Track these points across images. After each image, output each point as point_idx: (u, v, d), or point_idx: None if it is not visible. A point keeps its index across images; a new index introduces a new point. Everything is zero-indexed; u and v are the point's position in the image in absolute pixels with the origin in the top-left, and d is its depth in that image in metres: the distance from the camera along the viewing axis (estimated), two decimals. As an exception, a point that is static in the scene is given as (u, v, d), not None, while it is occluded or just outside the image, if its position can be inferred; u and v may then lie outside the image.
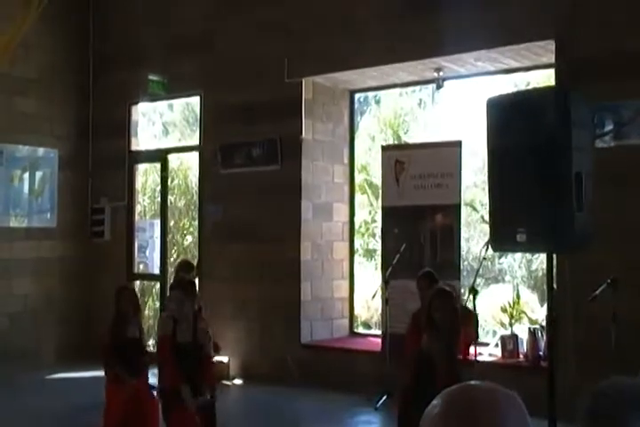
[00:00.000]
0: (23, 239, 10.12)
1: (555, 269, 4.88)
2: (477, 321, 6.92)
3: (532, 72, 9.08)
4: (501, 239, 4.74)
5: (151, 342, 9.88)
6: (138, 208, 11.18)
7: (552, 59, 7.50)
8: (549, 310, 4.98)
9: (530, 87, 9.84)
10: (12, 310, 9.77)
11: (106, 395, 6.77)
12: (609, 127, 6.89)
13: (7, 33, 8.78)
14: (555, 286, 5.07)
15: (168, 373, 5.95)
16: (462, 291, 8.15)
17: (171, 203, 11.77)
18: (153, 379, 7.26)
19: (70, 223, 10.66)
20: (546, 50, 7.55)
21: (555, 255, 4.86)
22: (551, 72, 7.77)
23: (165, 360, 5.98)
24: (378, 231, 10.75)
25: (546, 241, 4.50)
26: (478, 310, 7.19)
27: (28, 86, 10.16)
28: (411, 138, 12.61)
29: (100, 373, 7.02)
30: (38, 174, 10.44)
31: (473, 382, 1.42)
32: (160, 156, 10.74)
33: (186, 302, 5.97)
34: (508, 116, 4.59)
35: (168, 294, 8.45)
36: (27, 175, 10.31)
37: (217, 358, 7.57)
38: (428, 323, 5.84)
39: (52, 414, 7.47)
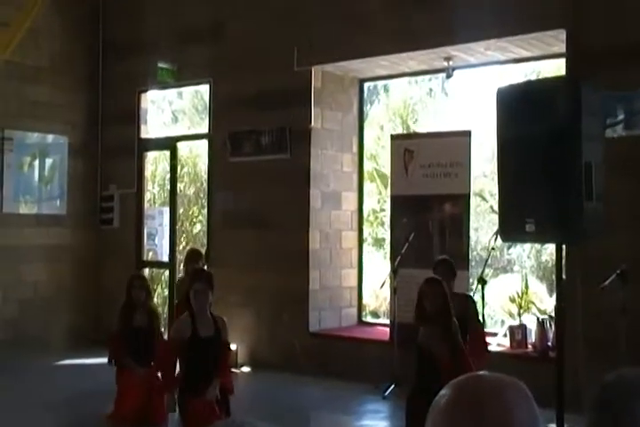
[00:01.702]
0: (33, 226, 10.16)
1: (564, 260, 4.86)
2: (476, 308, 6.84)
3: (542, 62, 9.04)
4: (510, 229, 4.74)
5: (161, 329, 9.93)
6: (147, 196, 11.20)
7: (563, 48, 7.46)
8: (558, 300, 4.98)
9: (540, 77, 9.80)
10: (22, 296, 9.81)
11: (117, 383, 6.81)
12: (620, 117, 6.86)
13: (10, 26, 8.76)
14: (564, 276, 5.06)
15: (165, 377, 6.00)
16: (471, 281, 8.16)
17: (180, 191, 11.78)
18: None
19: (79, 210, 10.69)
20: (556, 39, 7.51)
21: (564, 246, 4.85)
22: (562, 62, 7.73)
23: (166, 363, 6.01)
24: (386, 220, 10.74)
25: (555, 231, 4.50)
26: (487, 300, 7.18)
27: (39, 74, 10.17)
28: (420, 127, 12.58)
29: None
30: (48, 161, 10.46)
31: (481, 373, 1.43)
32: (169, 143, 10.74)
33: (208, 294, 5.99)
34: (518, 106, 4.58)
35: (179, 282, 8.47)
36: (37, 162, 10.33)
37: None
38: (418, 312, 5.79)
39: (62, 401, 7.51)
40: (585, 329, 6.62)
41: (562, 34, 7.34)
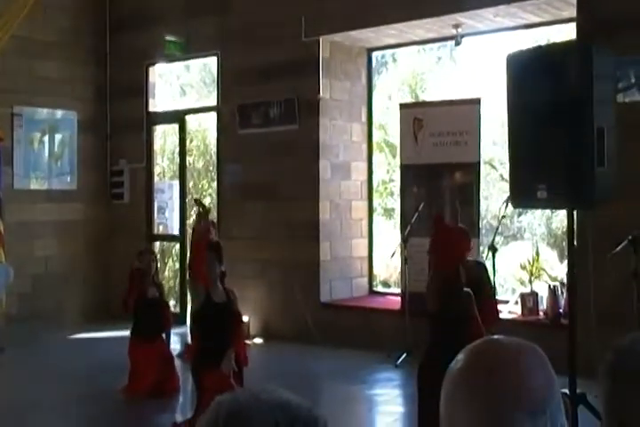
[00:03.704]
0: (44, 201, 10.18)
1: (575, 226, 4.84)
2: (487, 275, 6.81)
3: (552, 27, 8.94)
4: (522, 196, 4.71)
5: (172, 302, 9.99)
6: (157, 170, 11.20)
7: (573, 13, 7.37)
8: (570, 267, 4.96)
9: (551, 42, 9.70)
10: (34, 271, 9.86)
11: (130, 356, 6.86)
12: (631, 81, 6.79)
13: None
14: (575, 242, 5.04)
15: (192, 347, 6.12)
16: (481, 249, 8.15)
17: (189, 164, 11.77)
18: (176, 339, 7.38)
19: (90, 185, 10.71)
20: (567, 4, 7.42)
21: (575, 212, 4.83)
22: (572, 27, 7.64)
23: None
24: (396, 190, 10.71)
25: (566, 197, 4.47)
26: (497, 268, 7.17)
27: (47, 49, 10.12)
28: (429, 96, 12.49)
29: (121, 333, 7.12)
30: (58, 137, 10.45)
31: (497, 337, 1.42)
32: (178, 117, 10.71)
33: (216, 263, 6.04)
34: (528, 72, 4.53)
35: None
36: (46, 138, 10.32)
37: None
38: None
39: (75, 375, 7.56)
40: (597, 295, 6.62)
41: (572, -2, 7.26)
